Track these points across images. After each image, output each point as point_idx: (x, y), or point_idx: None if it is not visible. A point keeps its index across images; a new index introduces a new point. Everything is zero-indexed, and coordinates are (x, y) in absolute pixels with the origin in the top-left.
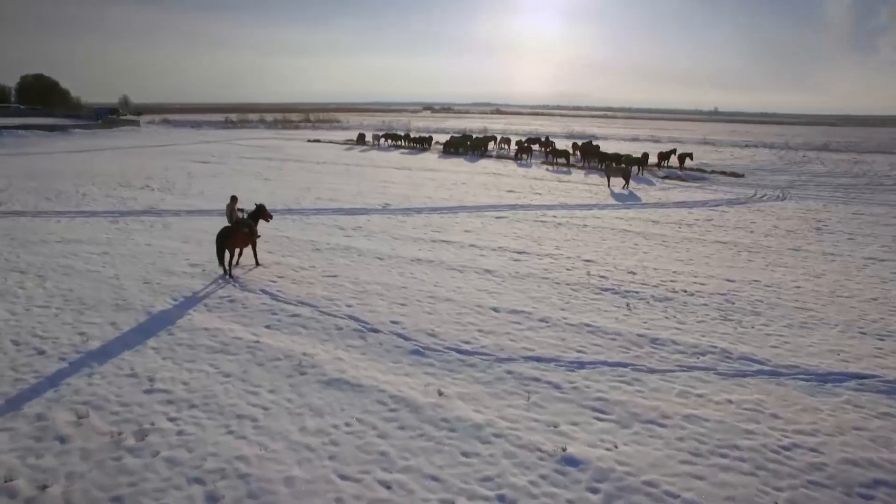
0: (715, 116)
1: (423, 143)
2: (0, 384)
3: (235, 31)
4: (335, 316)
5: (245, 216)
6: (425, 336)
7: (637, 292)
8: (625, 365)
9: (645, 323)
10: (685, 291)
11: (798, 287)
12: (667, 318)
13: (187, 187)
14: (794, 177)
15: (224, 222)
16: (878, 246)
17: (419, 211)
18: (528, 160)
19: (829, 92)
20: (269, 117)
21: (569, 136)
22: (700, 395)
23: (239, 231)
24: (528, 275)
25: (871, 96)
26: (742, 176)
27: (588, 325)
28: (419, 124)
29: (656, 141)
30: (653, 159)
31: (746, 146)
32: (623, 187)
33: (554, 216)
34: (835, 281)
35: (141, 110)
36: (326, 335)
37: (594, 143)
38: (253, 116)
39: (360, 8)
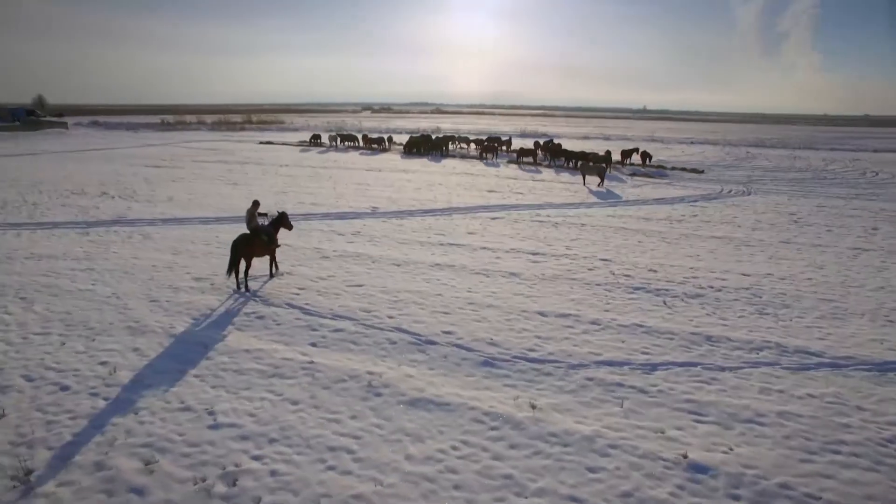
0: (645, 115)
1: (381, 144)
2: (31, 428)
3: (163, 29)
4: (381, 329)
5: (265, 223)
6: (487, 346)
7: (667, 290)
8: (694, 364)
9: (691, 321)
10: (711, 287)
11: (809, 279)
12: (708, 314)
13: (151, 194)
14: (747, 172)
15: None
16: (854, 236)
17: (411, 214)
18: (494, 159)
19: (743, 91)
20: (208, 119)
21: (524, 136)
22: (781, 391)
23: (257, 239)
24: (555, 276)
25: (780, 96)
26: (702, 172)
27: (640, 326)
28: (368, 125)
29: (607, 139)
30: (615, 157)
31: (692, 143)
32: (598, 185)
33: (548, 216)
34: (837, 272)
35: (61, 111)
36: (383, 350)
37: (545, 141)
38: (190, 118)
39: (291, 7)
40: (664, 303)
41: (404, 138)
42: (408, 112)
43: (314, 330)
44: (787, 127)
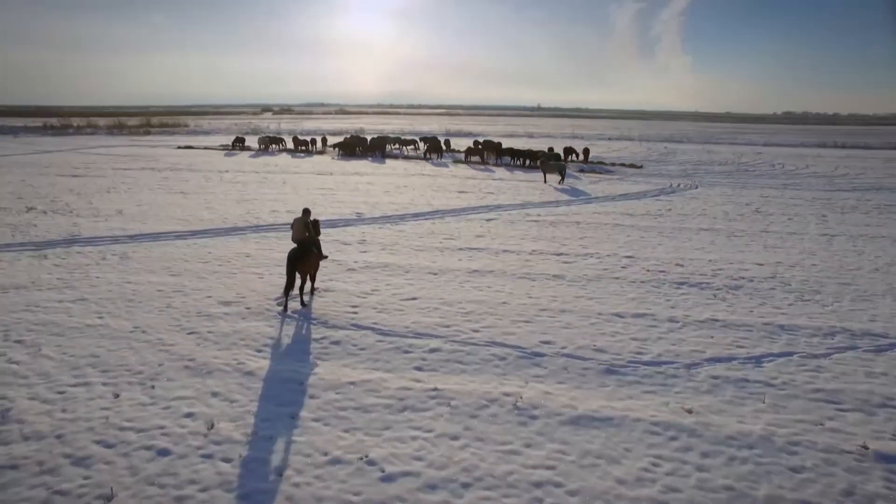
0: (539, 112)
1: (313, 145)
2: None
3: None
4: (476, 344)
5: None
6: (595, 352)
7: (708, 283)
8: (789, 354)
9: (751, 311)
10: (743, 278)
11: (814, 265)
12: (761, 304)
13: (91, 207)
14: (679, 166)
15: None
16: (814, 224)
17: (402, 219)
18: (440, 159)
19: (625, 90)
20: (101, 122)
21: (449, 135)
22: (885, 374)
23: (312, 252)
24: (598, 277)
25: (657, 94)
26: (641, 167)
27: (715, 320)
28: (280, 126)
29: (531, 136)
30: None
31: (610, 139)
32: (559, 182)
33: (539, 215)
34: (829, 257)
35: None
36: (497, 368)
37: (485, 140)
38: (78, 121)
39: (177, 2)
40: (714, 296)
41: (330, 140)
42: (311, 112)
43: (406, 352)
44: (673, 123)
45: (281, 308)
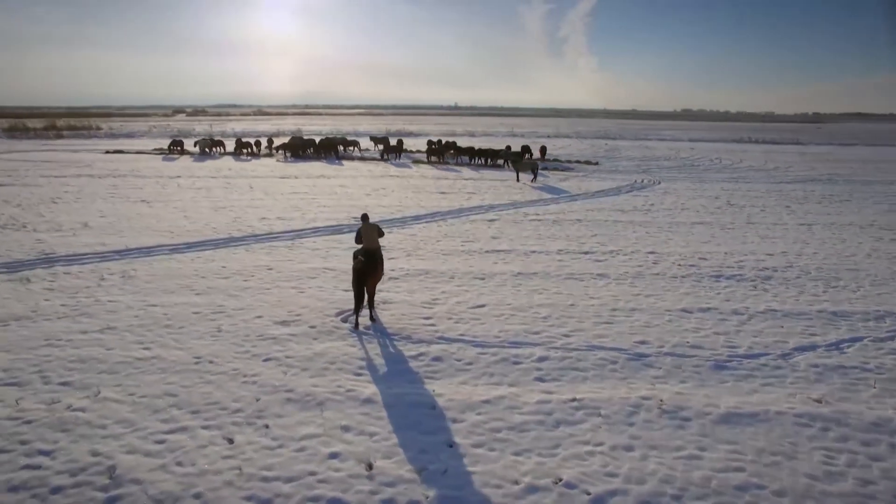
0: (458, 111)
1: (258, 147)
2: None
3: None
4: (579, 349)
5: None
6: (692, 349)
7: (740, 275)
8: (860, 339)
9: (797, 300)
10: (766, 269)
11: (816, 253)
12: (800, 293)
13: (43, 219)
14: (632, 162)
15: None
16: (786, 214)
17: (403, 222)
18: (398, 159)
19: (537, 89)
20: None
21: (389, 135)
22: None
23: (380, 263)
24: (639, 274)
25: (567, 92)
26: (597, 164)
27: (773, 311)
28: (200, 129)
29: (472, 135)
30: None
31: (549, 137)
32: (532, 180)
33: (536, 214)
34: (821, 245)
35: None
36: (616, 372)
37: (437, 139)
38: None
39: None
40: (755, 287)
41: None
42: (227, 114)
43: (516, 363)
44: (593, 120)
45: (351, 325)
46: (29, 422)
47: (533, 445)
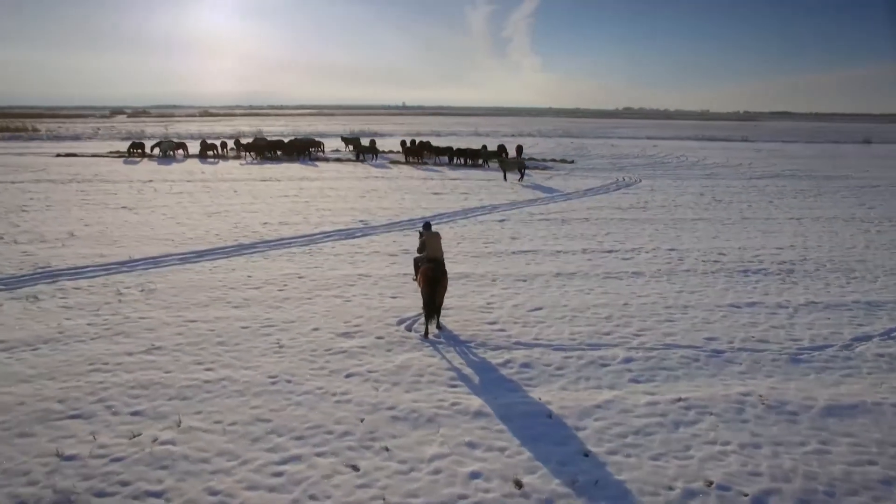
0: (407, 110)
1: (224, 149)
2: None
3: None
4: (655, 348)
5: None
6: (759, 343)
7: (764, 269)
8: None
9: (828, 292)
10: (786, 262)
11: (819, 246)
12: (827, 285)
13: (19, 230)
14: (602, 160)
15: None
16: (773, 209)
17: (413, 224)
18: (375, 160)
19: (483, 88)
20: None
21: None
22: None
23: (445, 271)
24: (670, 271)
25: (512, 92)
26: (573, 162)
27: (814, 303)
28: (166, 130)
29: (439, 135)
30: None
31: (513, 136)
32: (518, 179)
33: (542, 213)
34: (820, 237)
35: None
36: (702, 370)
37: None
38: None
39: None
40: (784, 280)
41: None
42: (171, 115)
43: (604, 365)
44: (545, 119)
45: (420, 334)
46: (118, 459)
47: (665, 449)
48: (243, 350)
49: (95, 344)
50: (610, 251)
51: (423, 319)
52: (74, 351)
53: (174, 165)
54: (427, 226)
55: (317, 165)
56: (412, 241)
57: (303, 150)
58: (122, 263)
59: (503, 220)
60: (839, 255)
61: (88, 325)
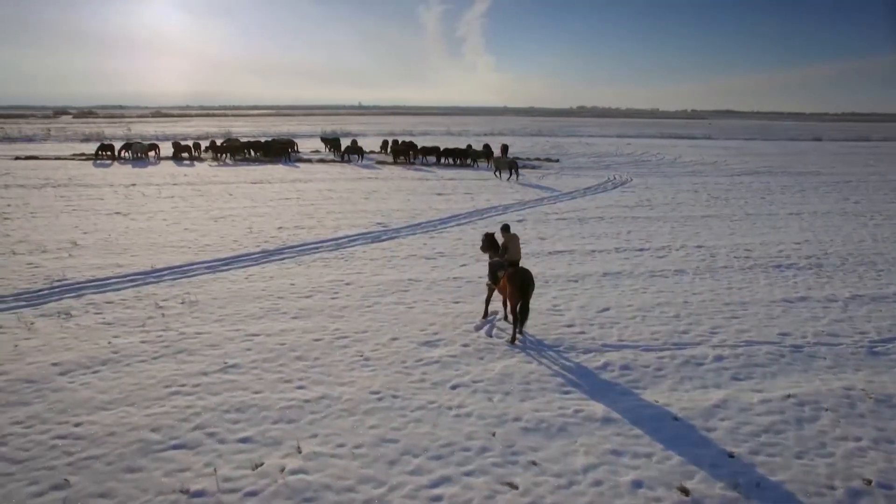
0: (364, 110)
1: (197, 151)
2: None
3: None
4: (737, 346)
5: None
6: (830, 337)
7: (793, 264)
8: None
9: (865, 284)
10: (811, 256)
11: (832, 240)
12: (860, 278)
13: (8, 239)
14: (588, 159)
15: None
16: (768, 205)
17: (432, 226)
18: (361, 160)
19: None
20: None
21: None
22: None
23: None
24: (709, 268)
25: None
26: (558, 161)
27: (860, 296)
28: (128, 132)
29: (411, 134)
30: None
31: (487, 135)
32: (509, 178)
33: (555, 213)
34: (826, 232)
35: None
36: (791, 366)
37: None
38: None
39: None
40: (818, 275)
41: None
42: (121, 116)
43: (700, 364)
44: (502, 118)
45: (506, 339)
46: (253, 493)
47: (803, 446)
48: (327, 364)
49: (161, 364)
50: (641, 249)
51: (500, 324)
52: (141, 372)
53: (150, 168)
54: (506, 228)
55: (297, 166)
56: (441, 243)
57: (282, 151)
58: (146, 274)
59: (522, 221)
60: (855, 249)
61: (142, 342)
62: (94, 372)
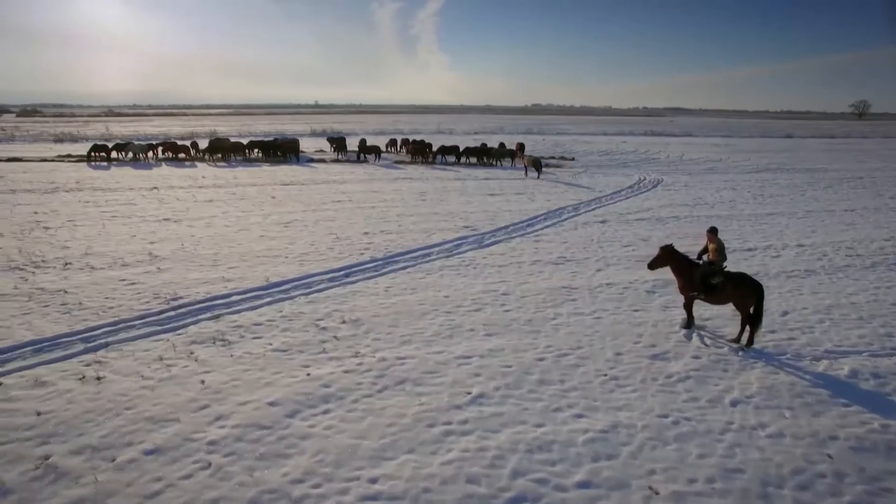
0: (320, 109)
1: (195, 151)
2: None
3: None
4: None
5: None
6: None
7: (884, 259)
8: None
9: None
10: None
11: (872, 241)
12: None
13: (71, 252)
14: (602, 158)
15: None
16: (815, 202)
17: (519, 232)
18: (378, 160)
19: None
20: None
21: (341, 135)
22: None
23: None
24: (832, 268)
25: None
26: (573, 159)
27: None
28: (106, 131)
29: (402, 132)
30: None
31: (477, 133)
32: (537, 177)
33: (628, 213)
34: (877, 228)
35: None
36: None
37: (402, 138)
38: None
39: None
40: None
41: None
42: (71, 115)
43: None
44: (474, 116)
45: (734, 348)
46: None
47: None
48: (579, 387)
49: (394, 397)
50: (749, 250)
51: (704, 331)
52: (381, 409)
53: (155, 170)
54: (714, 230)
55: (315, 167)
56: (551, 247)
57: (292, 150)
58: (265, 288)
59: (605, 222)
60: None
61: (344, 372)
62: (324, 411)
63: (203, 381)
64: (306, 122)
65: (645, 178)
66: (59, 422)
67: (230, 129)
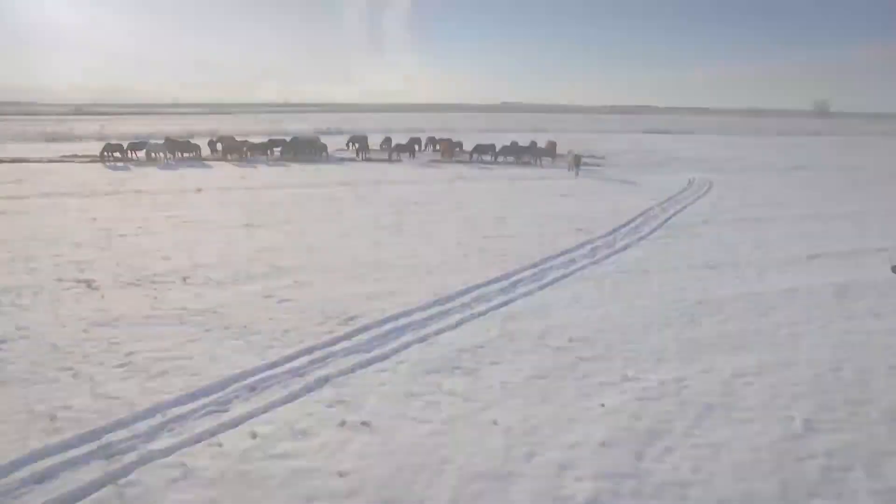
0: (293, 107)
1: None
2: None
3: None
4: None
5: None
6: None
7: None
8: None
9: None
10: None
11: None
12: None
13: (178, 265)
14: (630, 156)
15: None
16: (873, 200)
17: (646, 235)
18: (412, 159)
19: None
20: None
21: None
22: None
23: None
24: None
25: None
26: (603, 158)
27: None
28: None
29: (408, 131)
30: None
31: (479, 132)
32: (576, 175)
33: (721, 214)
34: None
35: None
36: None
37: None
38: None
39: None
40: None
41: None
42: (36, 113)
43: None
44: (446, 114)
45: None
46: None
47: None
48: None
49: (723, 431)
50: (880, 249)
51: None
52: (730, 444)
53: (181, 170)
54: None
55: (350, 165)
56: (696, 250)
57: (319, 149)
58: (439, 303)
59: (706, 222)
60: None
61: (639, 399)
62: (666, 450)
63: (496, 422)
64: (275, 121)
65: (694, 178)
66: (363, 481)
67: (207, 127)
